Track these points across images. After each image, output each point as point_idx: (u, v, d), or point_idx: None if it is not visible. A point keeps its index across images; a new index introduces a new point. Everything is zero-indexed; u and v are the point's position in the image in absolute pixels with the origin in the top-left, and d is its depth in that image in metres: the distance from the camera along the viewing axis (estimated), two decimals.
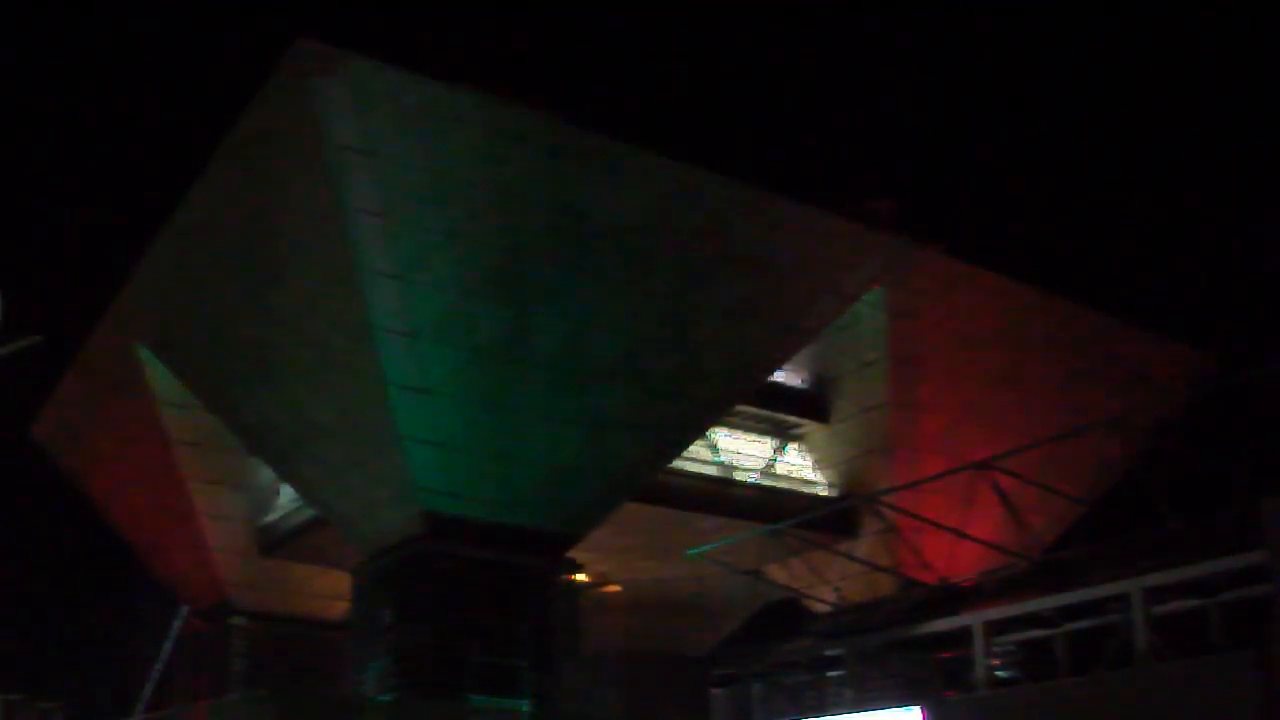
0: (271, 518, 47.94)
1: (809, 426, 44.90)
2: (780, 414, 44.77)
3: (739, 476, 44.20)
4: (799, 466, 45.41)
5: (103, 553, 56.66)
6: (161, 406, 45.76)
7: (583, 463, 37.56)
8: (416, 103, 33.06)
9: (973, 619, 32.87)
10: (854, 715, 34.43)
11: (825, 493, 44.74)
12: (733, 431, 44.54)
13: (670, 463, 41.08)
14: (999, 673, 32.96)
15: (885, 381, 42.39)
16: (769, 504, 43.06)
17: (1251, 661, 25.71)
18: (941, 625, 34.04)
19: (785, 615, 46.79)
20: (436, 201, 33.92)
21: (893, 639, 35.41)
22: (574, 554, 39.20)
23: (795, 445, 45.54)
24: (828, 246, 40.01)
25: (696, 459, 43.12)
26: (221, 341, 40.35)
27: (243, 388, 40.66)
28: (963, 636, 33.20)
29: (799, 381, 44.60)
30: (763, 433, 45.18)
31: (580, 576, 39.85)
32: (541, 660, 37.35)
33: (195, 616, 51.08)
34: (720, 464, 44.12)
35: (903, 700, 33.35)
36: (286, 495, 47.02)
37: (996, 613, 32.56)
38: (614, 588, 46.58)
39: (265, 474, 47.28)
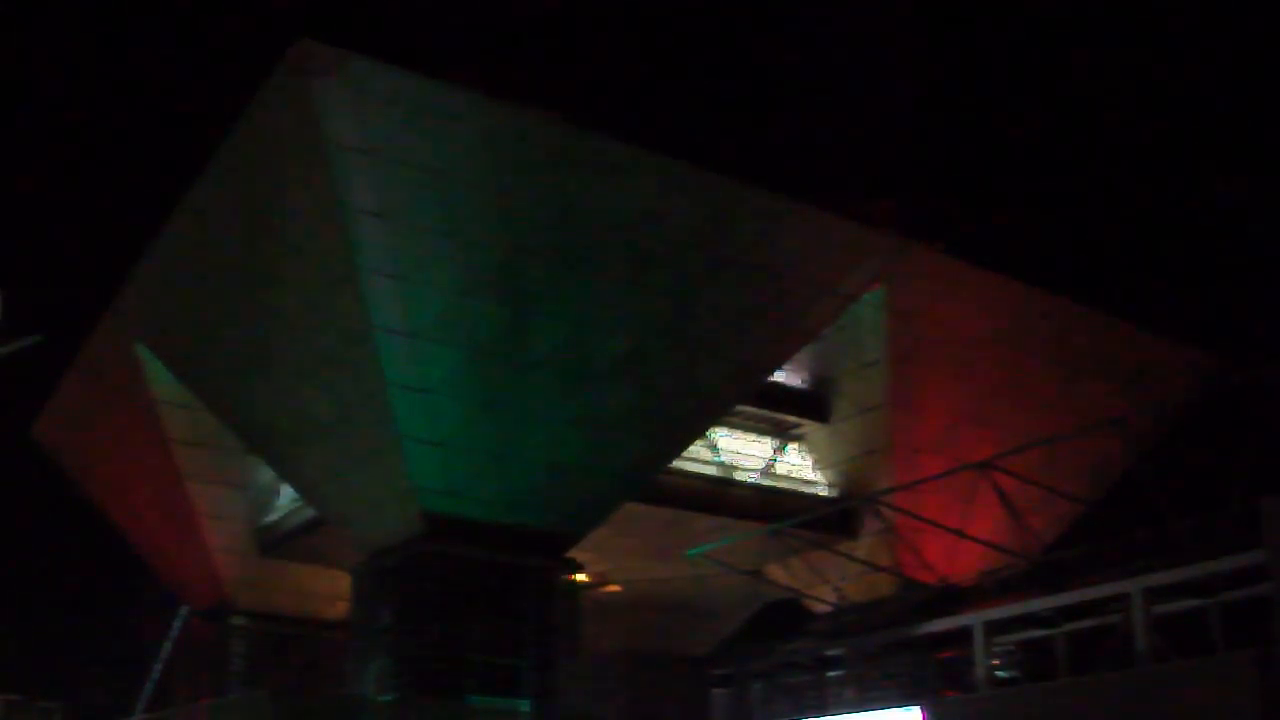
0: (271, 518, 47.96)
1: (809, 426, 44.89)
2: (780, 414, 44.77)
3: (739, 476, 44.19)
4: (799, 466, 45.41)
5: (103, 553, 56.71)
6: (161, 406, 45.79)
7: (583, 463, 37.54)
8: (416, 103, 33.06)
9: (973, 619, 32.86)
10: (854, 715, 34.43)
11: (825, 493, 44.73)
12: (733, 431, 44.54)
13: (670, 463, 41.08)
14: (999, 673, 32.95)
15: (885, 381, 42.37)
16: (769, 504, 43.07)
17: (1251, 661, 25.71)
18: (941, 625, 34.03)
19: (785, 615, 46.79)
20: (436, 201, 33.91)
21: (893, 639, 35.40)
22: (574, 554, 39.19)
23: (795, 445, 45.54)
24: (828, 246, 39.99)
25: (696, 459, 43.12)
26: (221, 341, 40.35)
27: (243, 388, 40.66)
28: (963, 636, 33.19)
29: (799, 381, 44.59)
30: (763, 433, 45.18)
31: (580, 576, 39.86)
32: (541, 660, 37.35)
33: (195, 616, 51.10)
34: (720, 464, 44.12)
35: (903, 700, 33.35)
36: (286, 495, 47.04)
37: (996, 613, 32.56)
38: (614, 588, 46.58)
39: (265, 474, 47.29)
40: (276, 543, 47.54)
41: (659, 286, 36.89)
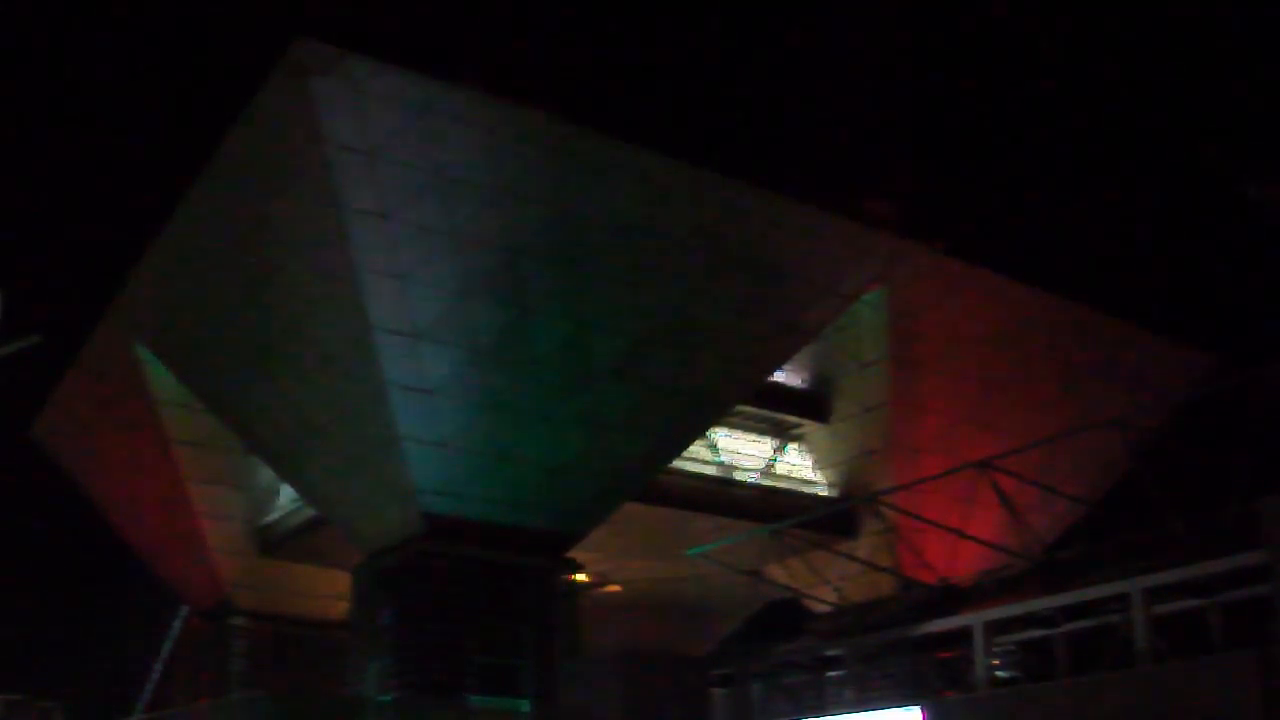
0: (271, 518, 47.96)
1: (809, 426, 44.91)
2: (780, 414, 44.79)
3: (739, 476, 44.21)
4: (799, 466, 45.42)
5: (103, 553, 56.68)
6: (161, 406, 45.79)
7: (583, 463, 37.56)
8: (416, 103, 33.07)
9: (973, 619, 32.84)
10: (854, 715, 34.39)
11: (825, 493, 44.74)
12: (733, 431, 44.56)
13: (670, 463, 41.08)
14: (999, 673, 32.93)
15: (885, 381, 42.41)
16: (769, 504, 43.08)
17: (1251, 661, 25.69)
18: (941, 625, 34.01)
19: (785, 615, 46.77)
20: (436, 201, 33.93)
21: (893, 639, 35.36)
22: (574, 554, 39.21)
23: (795, 445, 45.54)
24: (828, 246, 40.01)
25: (696, 459, 43.14)
26: (221, 341, 40.36)
27: (243, 388, 40.66)
28: (963, 636, 33.16)
29: (799, 381, 44.61)
30: (763, 433, 45.19)
31: (580, 576, 39.87)
32: (541, 660, 37.36)
33: (195, 616, 51.12)
34: (720, 464, 44.12)
35: (903, 700, 33.32)
36: (286, 495, 47.04)
37: (996, 613, 32.53)
38: (614, 588, 46.57)
39: (265, 474, 47.30)
40: (276, 543, 47.53)
41: (659, 286, 36.91)
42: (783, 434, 45.37)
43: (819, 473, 45.23)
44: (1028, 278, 43.34)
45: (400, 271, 34.00)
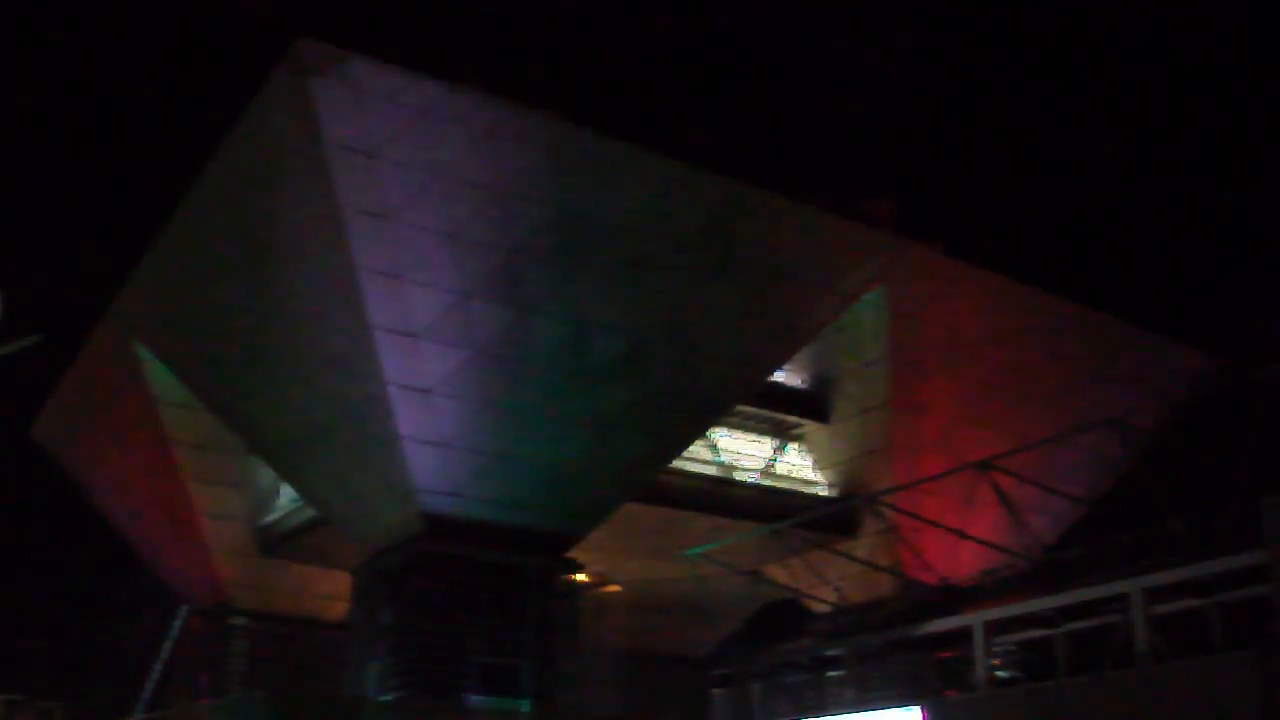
0: (271, 518, 47.97)
1: (809, 426, 44.91)
2: (780, 414, 44.79)
3: (739, 476, 44.20)
4: (799, 466, 45.42)
5: (103, 553, 56.68)
6: (161, 406, 45.82)
7: (583, 463, 37.55)
8: (416, 103, 33.07)
9: (973, 619, 32.88)
10: (854, 715, 34.44)
11: (825, 493, 44.74)
12: (733, 431, 44.55)
13: (670, 463, 41.08)
14: (999, 673, 32.96)
15: (885, 381, 42.40)
16: (769, 504, 43.07)
17: (1251, 661, 25.72)
18: (941, 625, 34.05)
19: (785, 615, 46.81)
20: (436, 201, 33.92)
21: (893, 639, 35.41)
22: (574, 554, 39.20)
23: (795, 445, 45.55)
24: (828, 246, 40.01)
25: (696, 459, 43.13)
26: (221, 342, 40.36)
27: (243, 388, 40.67)
28: (963, 636, 33.21)
29: (799, 381, 44.61)
30: (763, 433, 45.19)
31: (580, 576, 39.85)
32: (541, 660, 37.35)
33: (195, 616, 51.11)
34: (720, 464, 44.12)
35: (903, 700, 33.36)
36: (286, 495, 47.04)
37: (996, 613, 32.57)
38: (614, 588, 46.59)
39: (265, 474, 47.32)
40: (276, 543, 47.54)
41: (659, 286, 36.90)
42: (783, 434, 45.38)
43: (819, 473, 45.22)
44: (1028, 278, 43.37)
45: (400, 271, 33.98)
